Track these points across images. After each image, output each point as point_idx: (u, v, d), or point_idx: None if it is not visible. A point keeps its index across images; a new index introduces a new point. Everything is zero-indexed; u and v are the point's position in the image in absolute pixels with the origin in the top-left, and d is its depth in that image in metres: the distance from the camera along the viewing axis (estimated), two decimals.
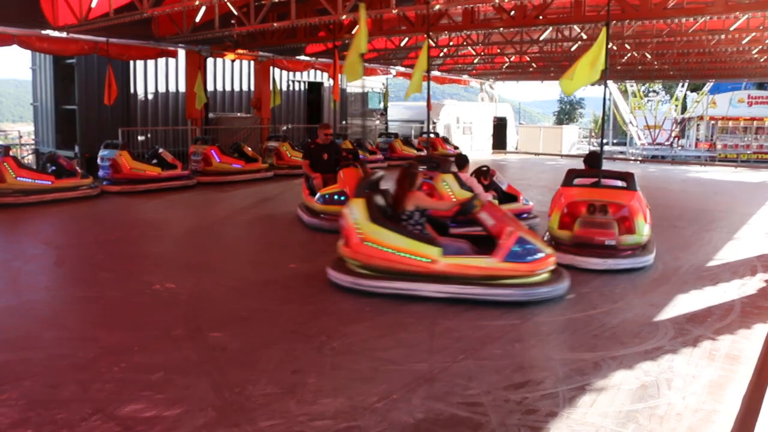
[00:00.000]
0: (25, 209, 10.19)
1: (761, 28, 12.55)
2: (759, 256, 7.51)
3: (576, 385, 3.86)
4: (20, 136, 20.83)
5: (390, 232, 5.64)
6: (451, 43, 18.17)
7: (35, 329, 4.85)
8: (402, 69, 21.72)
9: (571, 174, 7.44)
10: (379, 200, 5.99)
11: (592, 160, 7.91)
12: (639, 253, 6.83)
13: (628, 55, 17.78)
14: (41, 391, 3.70)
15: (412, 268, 5.56)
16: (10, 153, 11.38)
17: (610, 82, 29.76)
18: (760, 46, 15.18)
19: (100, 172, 12.25)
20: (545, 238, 7.16)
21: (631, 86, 31.75)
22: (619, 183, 7.15)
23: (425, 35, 9.59)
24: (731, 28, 12.62)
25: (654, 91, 35.79)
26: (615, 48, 16.57)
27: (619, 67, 20.78)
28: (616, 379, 3.95)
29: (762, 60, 17.75)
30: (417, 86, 9.53)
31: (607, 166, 7.57)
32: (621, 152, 29.87)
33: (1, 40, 12.03)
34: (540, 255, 5.53)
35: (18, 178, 10.58)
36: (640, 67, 20.78)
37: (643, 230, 6.87)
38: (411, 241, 5.59)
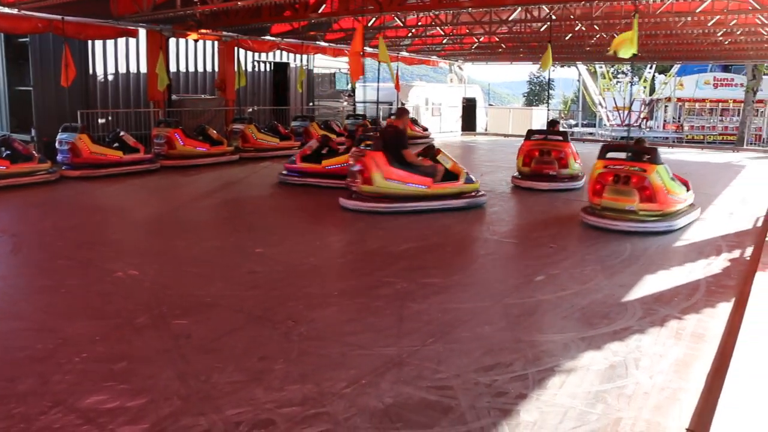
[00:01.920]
0: None
1: (725, 11, 12.67)
2: (724, 236, 7.61)
3: (545, 366, 3.84)
4: None
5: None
6: (419, 24, 18.02)
7: None
8: (370, 50, 21.54)
9: (530, 133, 11.84)
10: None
11: (551, 125, 12.38)
12: (570, 180, 11.06)
13: (597, 36, 17.82)
14: None
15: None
16: None
17: (579, 64, 29.99)
18: (725, 29, 15.32)
19: (59, 157, 11.84)
20: (514, 174, 11.50)
21: (600, 67, 31.97)
22: (559, 137, 11.33)
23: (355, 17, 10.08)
24: (697, 11, 12.73)
25: (623, 73, 36.16)
26: (584, 29, 16.59)
27: (588, 48, 20.82)
28: (585, 360, 3.94)
29: (726, 43, 17.92)
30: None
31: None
32: (590, 133, 30.11)
33: None
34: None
35: None
36: (608, 49, 20.84)
37: (574, 166, 11.06)
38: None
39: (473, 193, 9.28)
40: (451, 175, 9.09)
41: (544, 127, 12.56)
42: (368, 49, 21.24)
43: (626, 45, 8.26)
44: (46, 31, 12.89)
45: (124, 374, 3.70)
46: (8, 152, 10.77)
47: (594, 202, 8.05)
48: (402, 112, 9.71)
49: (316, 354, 4.02)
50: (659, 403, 3.42)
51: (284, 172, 11.36)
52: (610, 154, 8.17)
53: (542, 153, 10.98)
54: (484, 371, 3.76)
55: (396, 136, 9.03)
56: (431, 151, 9.31)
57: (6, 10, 11.86)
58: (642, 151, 8.02)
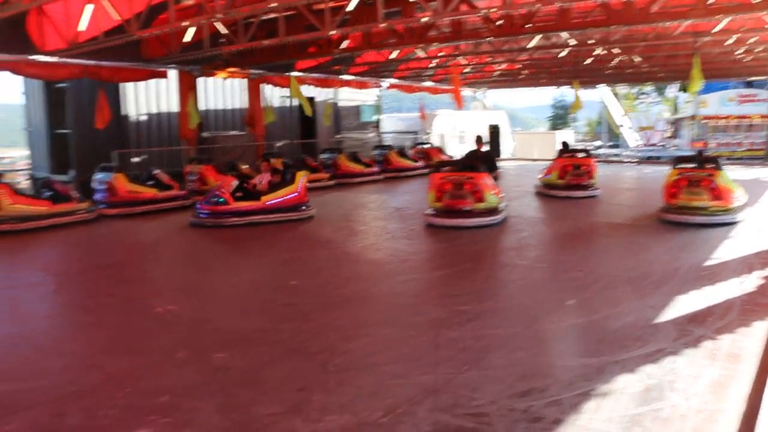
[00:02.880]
0: (21, 236, 10.15)
1: (743, 29, 12.66)
2: (756, 253, 7.54)
3: (580, 390, 3.86)
4: (13, 162, 20.77)
5: None
6: (441, 54, 18.25)
7: (37, 358, 4.83)
8: (394, 81, 21.82)
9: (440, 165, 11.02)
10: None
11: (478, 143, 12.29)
12: (488, 214, 9.95)
13: (618, 59, 17.88)
14: (47, 421, 3.69)
15: None
16: (5, 179, 11.37)
17: (601, 86, 29.98)
18: (744, 47, 15.28)
19: (97, 196, 12.22)
20: (427, 211, 10.29)
21: (623, 89, 31.91)
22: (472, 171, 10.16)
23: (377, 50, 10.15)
24: (714, 31, 12.74)
25: (645, 93, 36.00)
26: (604, 52, 16.67)
27: (608, 71, 20.86)
28: (620, 384, 3.96)
29: (747, 60, 17.86)
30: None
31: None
32: (615, 154, 29.98)
33: None
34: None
35: (14, 205, 10.55)
36: (629, 71, 20.86)
37: (491, 198, 10.01)
38: None
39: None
40: None
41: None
42: (393, 80, 21.61)
43: (693, 82, 12.07)
44: (83, 77, 13.36)
45: (166, 408, 3.80)
46: (50, 193, 11.16)
47: (671, 203, 9.79)
48: (479, 138, 12.42)
49: (353, 384, 4.09)
50: (697, 426, 3.42)
51: (202, 213, 10.68)
52: (679, 165, 10.00)
53: (456, 186, 10.02)
54: (519, 397, 3.79)
55: (489, 157, 11.34)
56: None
57: (46, 58, 12.34)
58: (706, 160, 10.09)
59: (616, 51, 16.43)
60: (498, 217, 10.07)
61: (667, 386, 3.91)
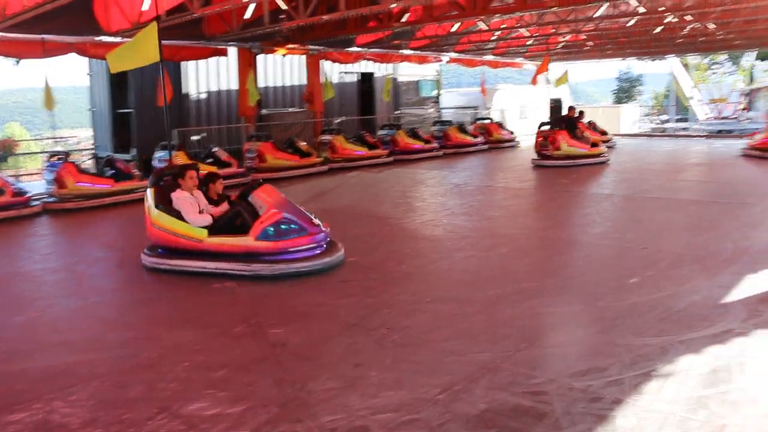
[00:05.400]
0: (86, 213, 10.51)
1: None
2: None
3: (642, 371, 3.75)
4: (78, 142, 21.42)
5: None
6: (503, 26, 17.87)
7: (100, 331, 4.99)
8: (454, 55, 21.52)
9: None
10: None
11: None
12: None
13: (690, 27, 17.13)
14: (109, 391, 3.80)
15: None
16: (70, 159, 11.75)
17: (671, 57, 28.89)
18: None
19: None
20: None
21: (693, 59, 30.66)
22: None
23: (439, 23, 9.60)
24: None
25: (717, 63, 34.55)
26: (676, 20, 15.98)
27: (679, 40, 20.04)
28: (684, 364, 3.82)
29: None
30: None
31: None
32: (684, 128, 28.93)
33: (58, 49, 12.45)
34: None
35: (78, 184, 10.91)
36: (702, 39, 19.95)
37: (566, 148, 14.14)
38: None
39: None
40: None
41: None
42: (453, 54, 21.32)
43: None
44: None
45: (223, 382, 3.86)
46: (112, 171, 11.50)
47: None
48: (570, 108, 16.13)
49: (410, 360, 4.08)
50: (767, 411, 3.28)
51: None
52: None
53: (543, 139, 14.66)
54: (579, 376, 3.71)
55: (572, 121, 14.86)
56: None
57: (110, 39, 12.64)
58: None
59: (688, 18, 15.73)
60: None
61: (736, 368, 3.76)
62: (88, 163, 16.66)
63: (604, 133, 19.12)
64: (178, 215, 6.50)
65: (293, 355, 4.26)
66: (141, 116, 15.53)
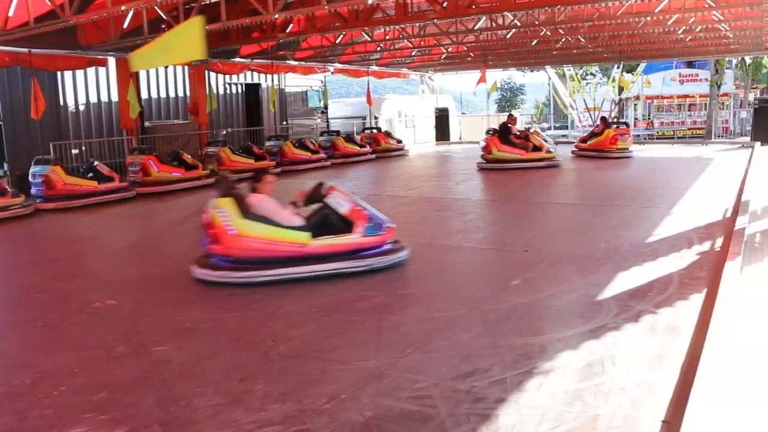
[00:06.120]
0: None
1: (683, 9, 12.94)
2: (694, 229, 7.74)
3: (523, 369, 3.89)
4: None
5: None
6: (387, 37, 18.16)
7: None
8: (340, 66, 21.66)
9: None
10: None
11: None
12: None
13: (563, 40, 18.07)
14: None
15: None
16: None
17: (548, 68, 30.32)
18: (684, 27, 15.63)
19: (33, 190, 11.75)
20: None
21: (569, 70, 32.33)
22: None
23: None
24: (656, 11, 13.01)
25: (591, 74, 36.55)
26: (549, 33, 16.83)
27: (555, 53, 21.10)
28: (563, 361, 4.00)
29: (687, 40, 18.27)
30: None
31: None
32: (563, 135, 30.37)
33: None
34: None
35: None
36: (575, 51, 21.12)
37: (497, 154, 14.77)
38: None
39: None
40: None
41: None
42: (338, 65, 21.45)
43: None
44: (14, 65, 12.83)
45: (104, 404, 3.68)
46: None
47: None
48: (509, 117, 16.29)
49: (296, 371, 4.04)
50: (636, 398, 3.48)
51: None
52: None
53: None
54: (463, 378, 3.80)
55: (504, 129, 15.28)
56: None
57: None
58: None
59: (561, 32, 16.59)
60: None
61: (608, 361, 3.97)
62: None
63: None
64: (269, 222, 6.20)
65: (177, 372, 4.12)
66: (12, 129, 14.60)
